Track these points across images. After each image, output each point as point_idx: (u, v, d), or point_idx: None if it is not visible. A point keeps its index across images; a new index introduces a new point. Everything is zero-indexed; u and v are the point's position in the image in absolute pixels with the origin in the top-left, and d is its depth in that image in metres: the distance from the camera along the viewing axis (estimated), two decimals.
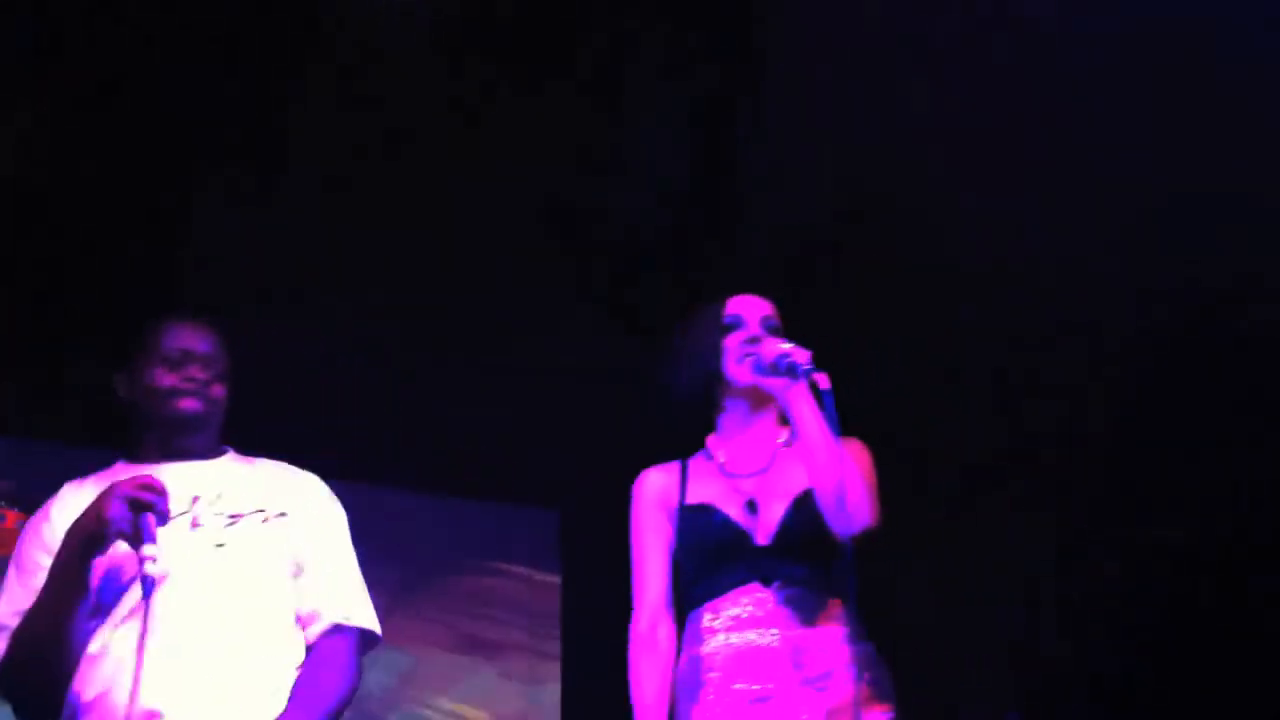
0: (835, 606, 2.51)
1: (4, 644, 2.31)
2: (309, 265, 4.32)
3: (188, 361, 2.47)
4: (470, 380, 4.73)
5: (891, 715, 2.46)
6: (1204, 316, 4.54)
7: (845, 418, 2.44)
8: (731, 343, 2.67)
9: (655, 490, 2.69)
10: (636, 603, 2.64)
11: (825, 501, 2.47)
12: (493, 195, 4.25)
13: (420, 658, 5.06)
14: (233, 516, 2.41)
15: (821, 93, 4.00)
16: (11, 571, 2.41)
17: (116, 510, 2.19)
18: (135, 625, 2.18)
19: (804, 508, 2.53)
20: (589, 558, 4.99)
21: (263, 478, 2.51)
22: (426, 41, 3.77)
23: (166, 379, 2.46)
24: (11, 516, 3.17)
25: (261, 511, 2.44)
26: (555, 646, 5.25)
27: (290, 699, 2.30)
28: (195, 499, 2.41)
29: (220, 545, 2.36)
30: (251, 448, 2.60)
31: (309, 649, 2.39)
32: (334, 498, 2.57)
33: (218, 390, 2.50)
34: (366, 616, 2.46)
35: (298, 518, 2.46)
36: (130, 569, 2.23)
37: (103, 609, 2.29)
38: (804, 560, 2.52)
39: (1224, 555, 5.12)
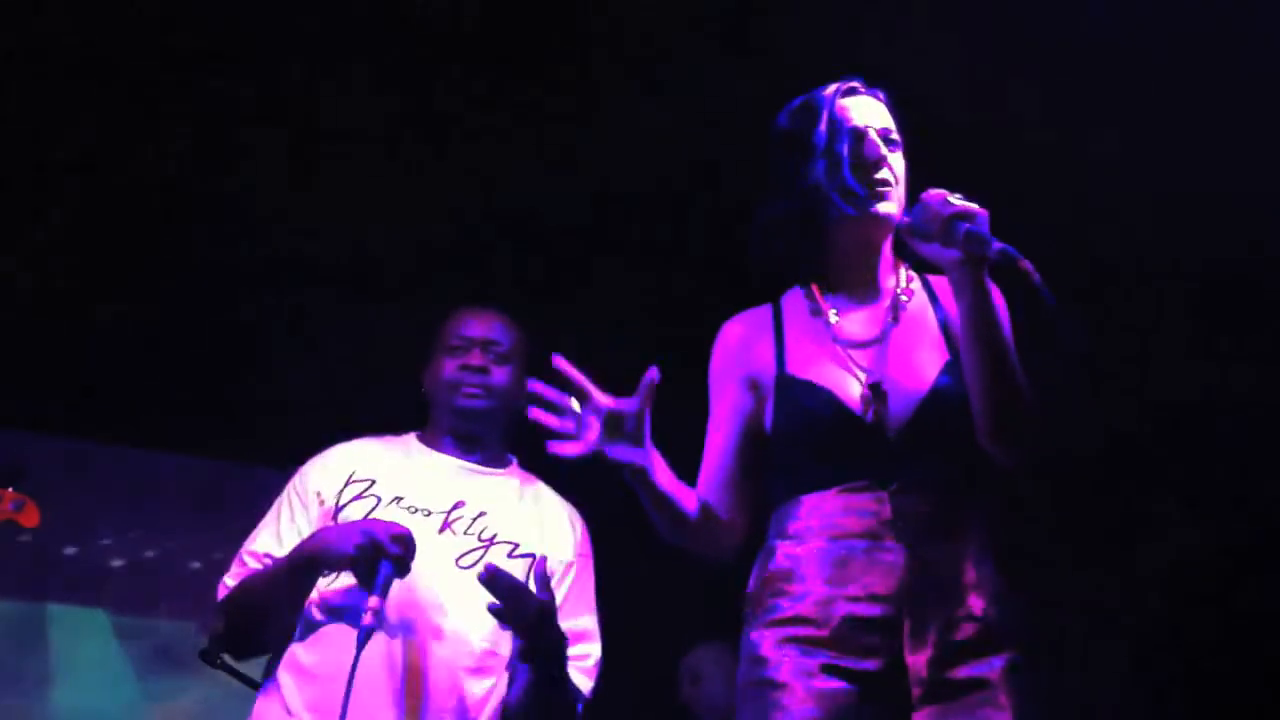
0: (968, 521, 2.05)
1: (236, 578, 2.42)
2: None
3: (470, 349, 2.53)
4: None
5: (1022, 655, 2.00)
6: None
7: None
8: (857, 154, 2.12)
9: (742, 350, 2.20)
10: (700, 478, 2.19)
11: (984, 418, 1.99)
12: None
13: None
14: (483, 541, 2.42)
15: None
16: (272, 510, 2.50)
17: (362, 547, 2.21)
18: (350, 649, 2.19)
19: (942, 390, 2.06)
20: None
21: (531, 510, 2.52)
22: None
23: (450, 367, 2.54)
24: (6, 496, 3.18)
25: (515, 545, 2.44)
26: None
27: None
28: (458, 504, 2.44)
29: (459, 563, 2.38)
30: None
31: None
32: (590, 546, 2.57)
33: (500, 375, 2.53)
34: (579, 676, 2.44)
35: (554, 559, 2.46)
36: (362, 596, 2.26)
37: (331, 610, 2.35)
38: (935, 460, 2.03)
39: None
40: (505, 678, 2.38)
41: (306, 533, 2.39)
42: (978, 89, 3.89)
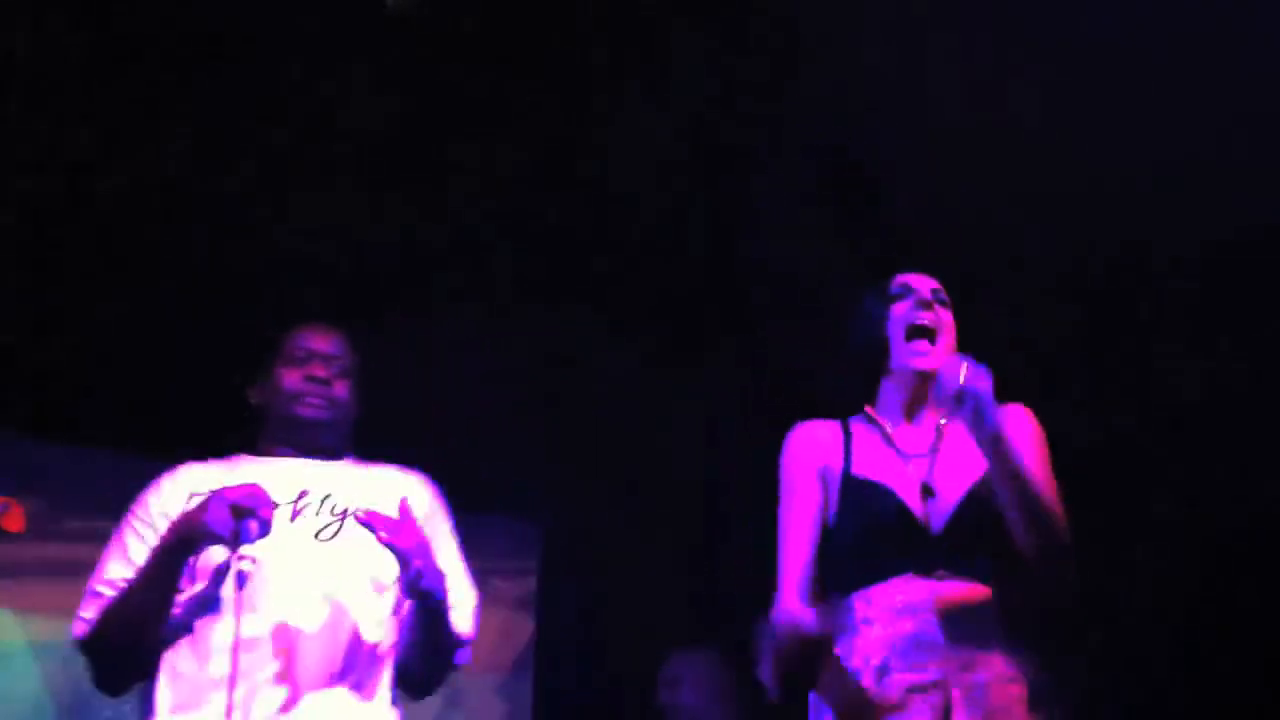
0: (996, 601, 2.37)
1: (95, 610, 2.41)
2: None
3: (311, 360, 2.59)
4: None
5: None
6: None
7: None
8: (899, 310, 2.57)
9: (815, 448, 2.55)
10: (783, 577, 2.46)
11: (1022, 541, 2.33)
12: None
13: None
14: (336, 515, 2.47)
15: None
16: (115, 540, 2.51)
17: (218, 515, 2.27)
18: (230, 614, 2.27)
19: (978, 496, 2.41)
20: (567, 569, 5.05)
21: (373, 479, 2.59)
22: None
23: (292, 378, 2.58)
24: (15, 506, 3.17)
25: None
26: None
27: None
28: (303, 493, 2.49)
29: (318, 537, 2.43)
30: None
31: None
32: (439, 498, 2.65)
33: (340, 389, 2.60)
34: (459, 618, 2.49)
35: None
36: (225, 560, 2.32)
37: (198, 597, 2.37)
38: (974, 552, 2.38)
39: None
40: (392, 638, 2.46)
41: None
42: (978, 88, 3.91)
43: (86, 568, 2.49)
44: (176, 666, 2.35)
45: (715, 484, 5.11)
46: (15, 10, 3.55)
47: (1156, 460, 4.79)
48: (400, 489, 2.54)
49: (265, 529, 2.29)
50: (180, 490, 2.49)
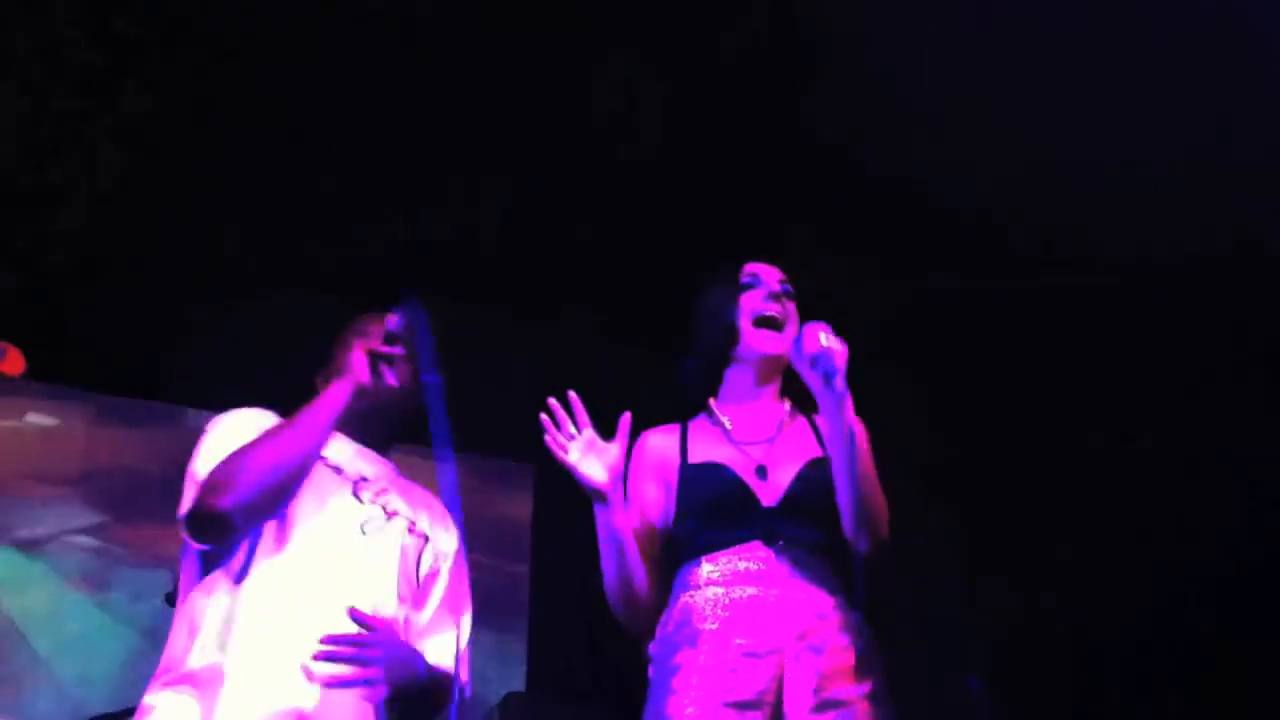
0: (834, 572, 2.53)
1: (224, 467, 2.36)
2: None
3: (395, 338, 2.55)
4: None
5: (879, 685, 2.46)
6: None
7: None
8: (748, 301, 2.69)
9: (654, 453, 2.68)
10: None
11: (847, 515, 2.48)
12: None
13: None
14: (388, 512, 2.50)
15: None
16: (215, 436, 2.46)
17: (358, 360, 2.47)
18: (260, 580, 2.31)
19: (812, 473, 2.56)
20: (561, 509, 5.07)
21: (420, 497, 2.63)
22: None
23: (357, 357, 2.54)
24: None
25: (412, 523, 2.54)
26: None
27: None
28: (363, 476, 2.53)
29: (363, 531, 2.45)
30: None
31: None
32: (459, 539, 2.62)
33: (408, 371, 2.55)
34: (465, 672, 2.47)
35: (435, 547, 2.56)
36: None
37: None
38: (809, 523, 2.52)
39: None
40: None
41: None
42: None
43: None
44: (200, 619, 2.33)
45: None
46: None
47: None
48: (435, 518, 2.60)
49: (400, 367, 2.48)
50: (267, 420, 2.48)
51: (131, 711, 2.33)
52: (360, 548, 2.43)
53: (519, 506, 5.56)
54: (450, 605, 2.53)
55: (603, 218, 4.72)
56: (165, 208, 4.46)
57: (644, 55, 4.14)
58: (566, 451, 2.50)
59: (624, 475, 2.57)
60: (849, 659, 2.43)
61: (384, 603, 2.42)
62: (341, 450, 2.55)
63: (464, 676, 2.48)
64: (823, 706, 2.38)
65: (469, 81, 4.20)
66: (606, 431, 2.54)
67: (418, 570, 2.51)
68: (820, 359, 2.39)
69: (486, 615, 5.19)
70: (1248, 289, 4.64)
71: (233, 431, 2.43)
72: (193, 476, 2.38)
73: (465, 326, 4.85)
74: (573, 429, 2.51)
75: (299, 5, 3.95)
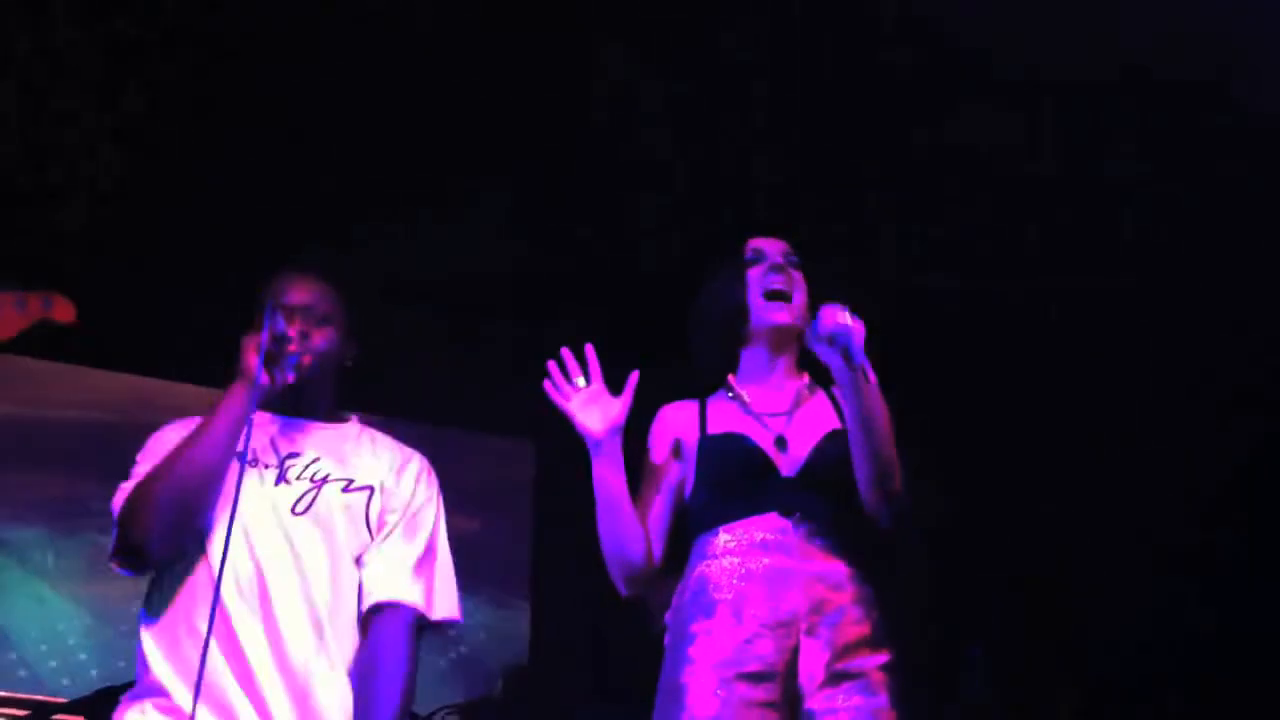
0: (850, 544, 2.53)
1: (138, 478, 2.36)
2: None
3: (290, 317, 2.44)
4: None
5: (894, 657, 2.47)
6: None
7: None
8: (754, 274, 2.70)
9: (672, 425, 2.68)
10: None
11: (866, 490, 2.50)
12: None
13: None
14: (315, 482, 2.42)
15: None
16: (145, 455, 2.45)
17: (247, 361, 2.34)
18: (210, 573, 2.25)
19: (830, 445, 2.56)
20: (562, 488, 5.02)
21: (367, 448, 2.52)
22: None
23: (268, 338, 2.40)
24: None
25: (349, 481, 2.44)
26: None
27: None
28: (293, 454, 2.44)
29: (294, 512, 2.38)
30: None
31: (364, 631, 2.40)
32: (433, 484, 2.55)
33: (319, 339, 2.48)
34: (416, 594, 2.42)
35: (383, 495, 2.46)
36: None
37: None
38: (827, 495, 2.52)
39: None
40: (354, 619, 2.41)
41: None
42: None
43: None
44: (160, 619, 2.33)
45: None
46: None
47: None
48: (388, 462, 2.51)
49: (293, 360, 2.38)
50: (172, 432, 2.44)
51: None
52: (295, 529, 2.35)
53: (520, 478, 5.55)
54: (407, 534, 2.45)
55: (602, 218, 4.73)
56: (165, 207, 4.47)
57: (644, 55, 4.13)
58: (568, 400, 2.51)
59: (622, 429, 2.54)
60: (864, 630, 2.44)
61: (339, 573, 2.37)
62: (269, 432, 2.45)
63: (458, 613, 2.46)
64: (837, 678, 2.40)
65: (469, 81, 4.20)
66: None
67: (368, 520, 2.42)
68: (839, 336, 2.39)
69: (489, 588, 5.27)
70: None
71: (146, 459, 2.41)
72: (114, 512, 2.36)
73: (465, 326, 4.94)
74: (581, 381, 2.53)
75: (299, 5, 3.96)
